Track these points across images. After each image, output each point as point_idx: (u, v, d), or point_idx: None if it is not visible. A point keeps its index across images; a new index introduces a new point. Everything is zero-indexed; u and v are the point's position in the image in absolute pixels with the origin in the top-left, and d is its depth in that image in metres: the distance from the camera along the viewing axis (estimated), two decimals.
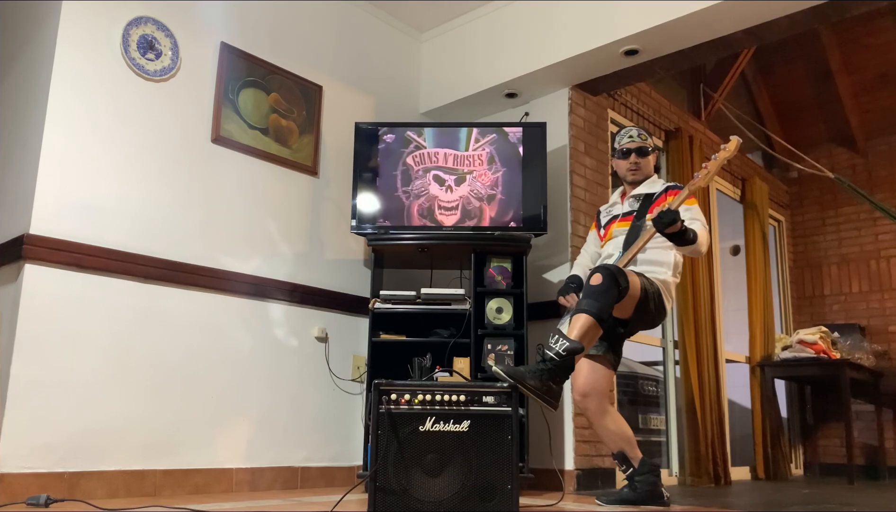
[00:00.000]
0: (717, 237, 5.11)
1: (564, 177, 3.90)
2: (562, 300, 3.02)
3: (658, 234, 2.77)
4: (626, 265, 2.74)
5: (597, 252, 3.15)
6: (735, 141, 2.74)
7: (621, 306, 2.64)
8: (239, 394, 3.25)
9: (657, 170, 3.11)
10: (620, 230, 2.96)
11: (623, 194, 3.10)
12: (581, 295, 2.65)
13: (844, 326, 5.53)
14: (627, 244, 2.85)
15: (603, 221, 3.13)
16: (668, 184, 2.97)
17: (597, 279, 2.56)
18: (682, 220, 2.63)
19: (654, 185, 3.01)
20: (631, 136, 3.04)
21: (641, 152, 3.01)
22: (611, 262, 2.83)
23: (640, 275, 2.75)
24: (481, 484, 2.23)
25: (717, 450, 4.39)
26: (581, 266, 3.17)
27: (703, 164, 2.76)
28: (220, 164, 3.32)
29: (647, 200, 2.95)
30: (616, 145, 3.07)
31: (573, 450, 3.55)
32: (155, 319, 3.00)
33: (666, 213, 2.58)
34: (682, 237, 2.65)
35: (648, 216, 2.87)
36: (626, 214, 2.99)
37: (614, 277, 2.56)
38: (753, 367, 5.23)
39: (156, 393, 2.97)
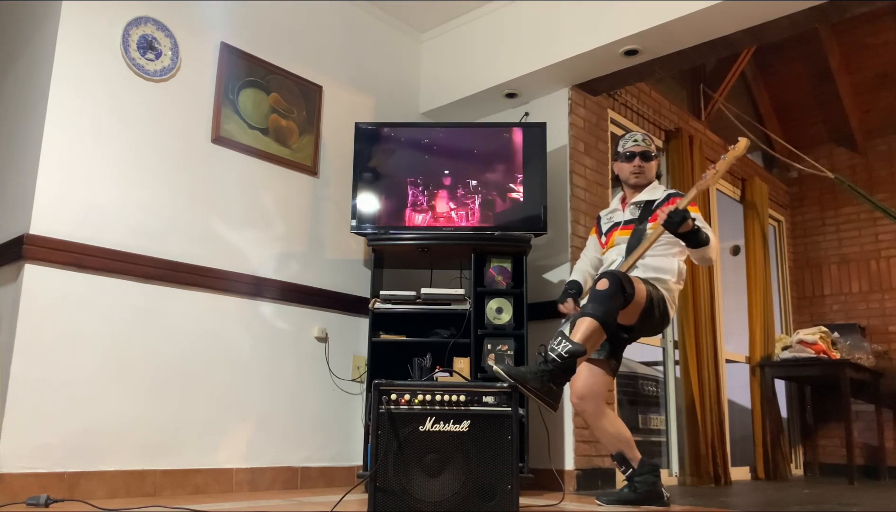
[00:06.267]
0: (717, 238, 5.10)
1: (564, 177, 3.90)
2: (562, 308, 3.01)
3: (661, 241, 2.76)
4: (629, 269, 2.74)
5: (597, 258, 3.14)
6: (744, 141, 2.73)
7: (626, 313, 2.64)
8: (239, 394, 3.25)
9: (658, 177, 3.11)
10: (622, 238, 2.95)
11: (623, 200, 3.09)
12: (587, 299, 2.65)
13: (844, 326, 5.52)
14: (630, 249, 2.85)
15: (604, 228, 3.12)
16: (670, 191, 2.97)
17: (603, 284, 2.56)
18: (694, 219, 2.62)
19: (656, 191, 3.01)
20: (636, 141, 3.04)
21: (646, 156, 3.01)
22: (614, 268, 2.82)
23: (645, 281, 2.74)
24: (481, 484, 2.23)
25: (717, 450, 4.39)
26: (580, 271, 3.16)
27: (712, 165, 2.75)
28: (220, 164, 3.32)
29: (648, 207, 2.95)
30: (620, 148, 3.07)
31: (573, 450, 3.55)
32: (155, 319, 3.00)
33: (675, 212, 2.57)
34: (695, 237, 2.64)
35: (651, 224, 2.86)
36: (627, 222, 2.98)
37: (621, 283, 2.56)
38: (753, 367, 5.23)
39: (155, 393, 2.97)
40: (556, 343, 2.43)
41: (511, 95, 4.10)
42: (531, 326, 3.53)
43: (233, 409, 3.22)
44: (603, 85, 4.02)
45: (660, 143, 4.67)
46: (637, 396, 4.73)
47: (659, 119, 4.70)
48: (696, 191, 2.72)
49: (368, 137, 3.65)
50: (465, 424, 2.27)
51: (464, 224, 3.56)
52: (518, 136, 3.64)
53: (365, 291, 3.77)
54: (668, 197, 2.93)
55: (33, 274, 2.69)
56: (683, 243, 2.74)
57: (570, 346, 2.41)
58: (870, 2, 3.28)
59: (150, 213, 3.05)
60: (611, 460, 3.03)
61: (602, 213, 3.20)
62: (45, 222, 2.74)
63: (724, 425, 4.62)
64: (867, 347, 5.44)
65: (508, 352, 3.39)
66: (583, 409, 2.88)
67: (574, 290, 3.05)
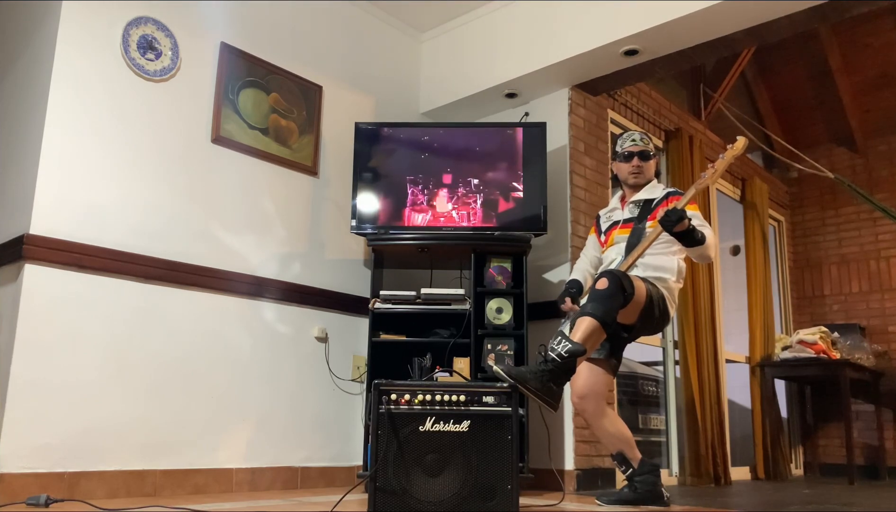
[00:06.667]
0: (717, 237, 5.10)
1: (564, 177, 3.90)
2: (563, 306, 3.01)
3: (661, 239, 2.76)
4: (628, 269, 2.74)
5: (597, 257, 3.14)
6: (742, 140, 2.74)
7: (626, 312, 2.64)
8: (239, 394, 3.25)
9: (657, 175, 3.10)
10: (621, 237, 2.95)
11: (622, 199, 3.09)
12: (587, 298, 2.65)
13: (844, 326, 5.53)
14: (630, 248, 2.85)
15: (603, 227, 3.12)
16: (669, 189, 2.97)
17: (603, 284, 2.56)
18: (690, 219, 2.62)
19: (655, 190, 3.01)
20: (634, 140, 3.04)
21: (644, 156, 3.01)
22: (613, 266, 2.82)
23: (644, 280, 2.74)
24: (481, 484, 2.23)
25: (717, 450, 4.39)
26: (580, 271, 3.15)
27: (710, 164, 2.75)
28: (220, 164, 3.32)
29: (648, 205, 2.95)
30: (618, 148, 3.07)
31: (573, 450, 3.55)
32: (155, 319, 3.00)
33: (672, 211, 2.57)
34: (690, 236, 2.64)
35: (650, 223, 2.86)
36: (626, 221, 2.98)
37: (620, 282, 2.56)
38: (753, 367, 5.23)
39: (156, 393, 2.97)
40: (555, 343, 2.43)
41: (511, 95, 4.10)
42: (531, 326, 3.53)
43: (233, 409, 3.22)
44: (603, 85, 4.02)
45: (659, 143, 4.68)
46: (637, 396, 4.73)
47: (659, 119, 4.70)
48: (695, 190, 2.72)
49: (368, 137, 3.65)
50: (465, 424, 2.27)
51: (464, 224, 3.56)
52: (518, 136, 3.64)
53: (365, 291, 3.77)
54: (667, 195, 2.93)
55: (33, 274, 2.69)
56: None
57: (570, 345, 2.41)
58: (870, 2, 3.27)
59: (151, 213, 3.05)
60: (611, 460, 3.03)
61: (601, 212, 3.20)
62: (45, 222, 2.74)
63: (724, 425, 4.62)
64: (867, 347, 5.44)
65: (508, 352, 3.39)
66: (583, 408, 2.88)
67: (575, 289, 3.05)
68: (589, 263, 3.16)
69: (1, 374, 2.65)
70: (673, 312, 2.89)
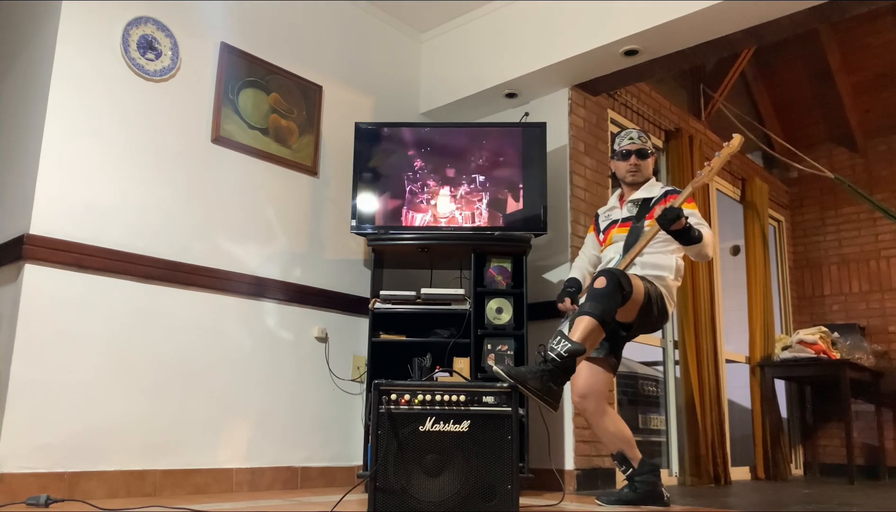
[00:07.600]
0: (717, 237, 5.11)
1: (564, 177, 3.90)
2: (561, 306, 3.01)
3: (658, 238, 2.77)
4: (626, 267, 2.74)
5: (595, 255, 3.14)
6: (738, 138, 2.74)
7: (624, 310, 2.64)
8: (239, 394, 3.25)
9: (655, 173, 3.10)
10: (620, 236, 2.95)
11: (621, 198, 3.09)
12: (585, 297, 2.65)
13: (844, 326, 5.53)
14: (628, 247, 2.85)
15: (602, 226, 3.12)
16: (667, 188, 2.97)
17: (601, 282, 2.57)
18: (686, 217, 2.63)
19: (653, 189, 3.01)
20: (631, 138, 3.04)
21: (641, 154, 3.01)
22: (611, 266, 2.82)
23: (643, 278, 2.74)
24: (481, 484, 2.23)
25: (717, 450, 4.39)
26: (579, 269, 3.16)
27: (707, 162, 2.75)
28: (220, 164, 3.32)
29: (646, 204, 2.95)
30: (616, 147, 3.07)
31: (573, 450, 3.55)
32: (155, 319, 3.00)
33: (669, 209, 2.58)
34: (687, 234, 2.64)
35: (648, 221, 2.87)
36: (625, 220, 2.99)
37: (618, 280, 2.56)
38: (753, 367, 5.23)
39: (156, 393, 2.97)
40: (555, 342, 2.43)
41: (511, 95, 4.10)
42: (531, 326, 3.53)
43: (233, 409, 3.22)
44: (603, 85, 4.02)
45: (659, 143, 4.68)
46: (637, 396, 4.73)
47: (659, 119, 4.70)
48: (692, 188, 2.73)
49: (368, 137, 3.65)
50: (465, 424, 2.27)
51: (464, 224, 3.56)
52: (518, 136, 3.64)
53: (365, 291, 3.77)
54: (665, 194, 2.93)
55: (33, 274, 2.69)
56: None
57: (570, 345, 2.41)
58: (870, 2, 3.27)
59: (150, 213, 3.05)
60: (611, 460, 3.03)
61: (600, 211, 3.20)
62: (45, 222, 2.74)
63: (724, 425, 4.62)
64: (867, 347, 5.44)
65: (508, 352, 3.39)
66: (584, 407, 2.88)
67: (573, 288, 3.05)
68: (588, 261, 3.17)
69: (1, 374, 2.65)
70: (672, 310, 2.90)
